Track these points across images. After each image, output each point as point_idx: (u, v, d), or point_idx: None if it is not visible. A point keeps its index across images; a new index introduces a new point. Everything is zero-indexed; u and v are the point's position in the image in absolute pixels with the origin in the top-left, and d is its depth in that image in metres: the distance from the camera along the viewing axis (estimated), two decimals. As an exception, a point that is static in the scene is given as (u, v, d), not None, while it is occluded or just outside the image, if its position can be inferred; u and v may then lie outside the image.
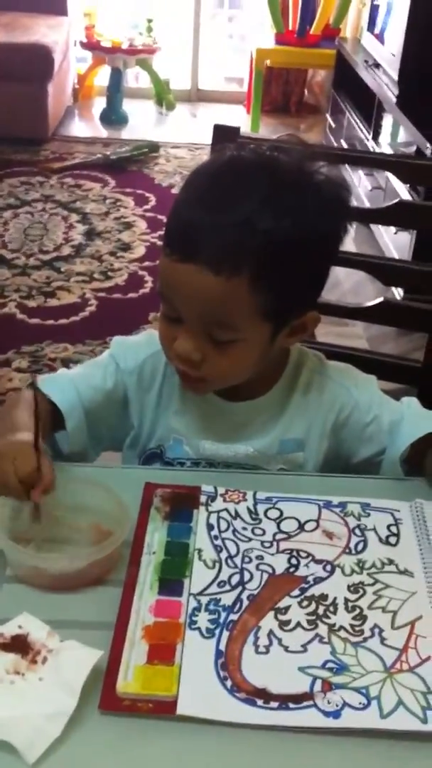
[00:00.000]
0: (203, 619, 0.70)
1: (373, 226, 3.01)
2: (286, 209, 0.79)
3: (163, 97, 4.53)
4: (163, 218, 3.27)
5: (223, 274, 0.78)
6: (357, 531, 0.82)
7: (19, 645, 0.66)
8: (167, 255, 0.81)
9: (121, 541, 0.76)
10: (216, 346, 0.83)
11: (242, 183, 0.80)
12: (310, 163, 0.84)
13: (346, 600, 0.74)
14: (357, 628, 0.71)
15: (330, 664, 0.67)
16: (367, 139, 3.34)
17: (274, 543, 0.79)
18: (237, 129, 1.22)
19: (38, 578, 0.74)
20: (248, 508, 0.84)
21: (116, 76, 4.25)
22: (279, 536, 0.80)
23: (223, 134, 1.20)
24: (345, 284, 2.65)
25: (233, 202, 0.79)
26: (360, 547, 0.80)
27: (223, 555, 0.78)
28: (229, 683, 0.65)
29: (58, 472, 0.78)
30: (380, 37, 3.36)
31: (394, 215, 1.24)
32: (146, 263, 2.90)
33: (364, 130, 3.41)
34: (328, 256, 0.86)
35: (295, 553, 0.78)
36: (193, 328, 0.82)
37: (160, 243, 2.98)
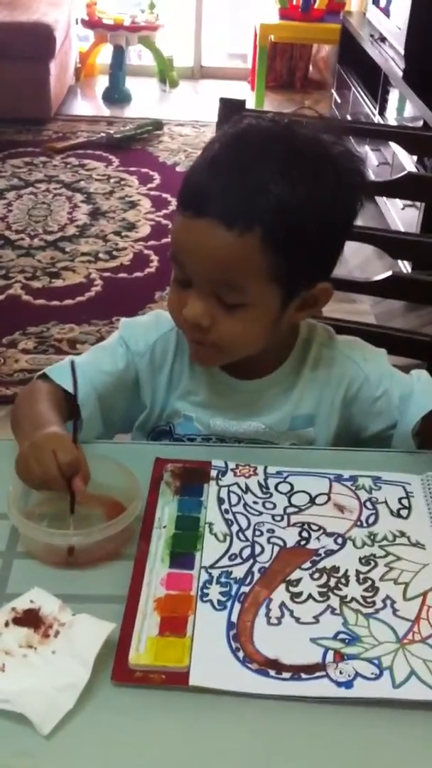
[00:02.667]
0: (215, 592, 0.70)
1: (380, 202, 2.99)
2: (302, 178, 0.79)
3: (166, 74, 4.49)
4: (168, 196, 3.25)
5: (235, 229, 0.77)
6: (368, 504, 0.81)
7: (32, 619, 0.67)
8: (180, 212, 0.82)
9: (135, 516, 0.76)
10: (225, 310, 0.82)
11: (259, 150, 0.80)
12: (327, 135, 0.83)
13: (358, 572, 0.73)
14: (369, 600, 0.71)
15: (342, 635, 0.67)
16: (373, 114, 3.30)
17: (285, 516, 0.79)
18: (243, 102, 1.21)
19: (52, 555, 0.74)
20: (259, 483, 0.84)
21: (119, 54, 4.21)
22: (290, 510, 0.80)
23: (230, 107, 1.19)
24: (352, 261, 2.63)
25: (249, 166, 0.79)
26: (371, 520, 0.80)
27: (234, 528, 0.77)
28: (241, 654, 0.65)
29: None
30: (386, 11, 3.31)
31: (403, 188, 1.23)
32: (151, 242, 2.88)
33: (370, 105, 3.38)
34: (343, 229, 0.86)
35: (306, 527, 0.78)
36: (202, 291, 0.82)
37: (165, 222, 2.95)
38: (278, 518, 0.79)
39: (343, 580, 0.72)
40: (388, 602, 0.70)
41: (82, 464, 0.76)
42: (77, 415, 0.84)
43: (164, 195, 3.23)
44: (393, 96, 3.16)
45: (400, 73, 2.90)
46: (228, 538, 0.76)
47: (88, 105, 4.31)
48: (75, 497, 0.76)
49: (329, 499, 0.82)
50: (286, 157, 0.80)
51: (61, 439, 0.78)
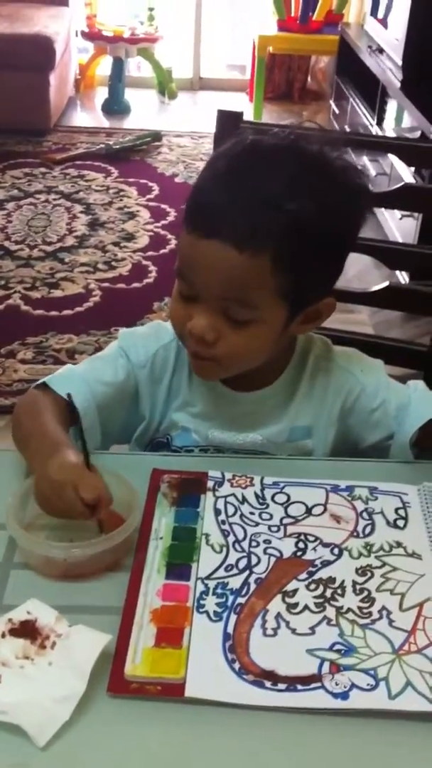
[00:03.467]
0: (211, 603, 0.70)
1: (378, 213, 3.00)
2: (312, 192, 0.79)
3: (165, 85, 4.51)
4: (167, 207, 3.26)
5: (247, 251, 0.77)
6: (365, 514, 0.81)
7: (28, 630, 0.67)
8: (189, 233, 0.81)
9: (134, 527, 0.76)
10: (232, 325, 0.82)
11: (267, 165, 0.80)
12: (329, 148, 0.84)
13: (354, 583, 0.73)
14: (365, 611, 0.71)
15: (338, 646, 0.67)
16: (371, 125, 3.32)
17: (282, 527, 0.79)
18: (240, 114, 1.21)
19: (50, 567, 0.74)
20: (255, 493, 0.84)
21: (118, 66, 4.23)
22: (286, 520, 0.80)
23: (227, 119, 1.20)
24: (350, 271, 2.63)
25: (258, 183, 0.79)
26: (368, 530, 0.80)
27: (231, 539, 0.78)
28: (237, 665, 0.65)
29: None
30: (384, 22, 3.34)
31: (400, 199, 1.23)
32: (150, 253, 2.89)
33: (368, 116, 3.39)
34: (348, 242, 0.86)
35: (302, 537, 0.78)
36: (209, 306, 0.82)
37: (163, 232, 2.96)
38: (275, 529, 0.79)
39: (339, 591, 0.72)
40: (385, 613, 0.70)
41: (104, 496, 0.74)
42: (84, 443, 0.81)
43: (163, 206, 3.24)
44: (391, 107, 3.17)
45: (398, 84, 2.92)
46: (224, 549, 0.76)
47: (87, 116, 4.33)
48: (102, 525, 0.76)
49: (326, 509, 0.82)
50: (294, 173, 0.79)
51: (78, 471, 0.75)
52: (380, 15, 3.41)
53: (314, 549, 0.77)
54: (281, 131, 0.86)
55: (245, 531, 0.79)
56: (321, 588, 0.73)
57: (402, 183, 1.24)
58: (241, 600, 0.71)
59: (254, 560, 0.75)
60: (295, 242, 0.78)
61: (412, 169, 2.68)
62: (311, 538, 0.78)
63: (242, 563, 0.75)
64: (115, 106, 4.29)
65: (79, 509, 0.73)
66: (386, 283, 1.23)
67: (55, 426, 0.83)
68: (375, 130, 3.27)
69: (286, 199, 0.78)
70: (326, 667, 0.65)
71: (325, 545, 0.77)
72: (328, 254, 0.83)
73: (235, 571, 0.74)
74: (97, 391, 0.90)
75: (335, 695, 0.63)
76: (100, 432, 0.91)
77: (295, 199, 0.78)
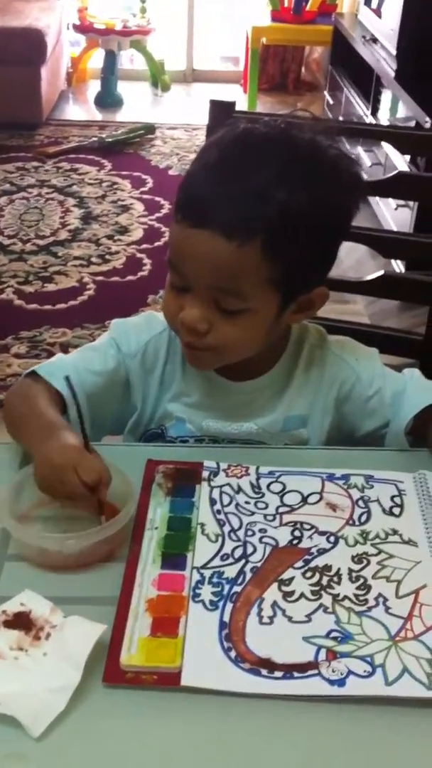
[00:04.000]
0: (207, 592, 0.70)
1: (373, 203, 3.00)
2: (302, 182, 0.78)
3: (158, 78, 4.49)
4: (161, 200, 3.25)
5: (236, 240, 0.77)
6: (360, 503, 0.81)
7: (22, 622, 0.66)
8: (178, 222, 0.80)
9: (129, 518, 0.75)
10: (223, 315, 0.82)
11: (257, 154, 0.80)
12: (323, 137, 0.83)
13: (350, 570, 0.73)
14: (361, 598, 0.70)
15: (334, 634, 0.67)
16: (366, 115, 3.31)
17: (277, 516, 0.79)
18: (233, 104, 1.21)
19: (45, 558, 0.73)
20: (251, 483, 0.83)
21: (110, 59, 4.21)
22: (282, 509, 0.80)
23: (220, 110, 1.19)
24: (345, 261, 2.63)
25: (248, 172, 0.78)
26: (364, 518, 0.79)
27: (226, 529, 0.77)
28: (233, 654, 0.65)
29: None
30: (378, 12, 3.32)
31: (395, 187, 1.23)
32: (144, 246, 2.88)
33: (363, 106, 3.38)
34: (340, 232, 0.85)
35: (298, 526, 0.78)
36: (201, 296, 0.81)
37: (157, 225, 2.95)
38: (270, 518, 0.79)
39: (335, 579, 0.72)
40: (381, 600, 0.70)
41: (104, 476, 0.75)
42: (82, 423, 0.82)
43: (157, 198, 3.23)
44: (385, 97, 3.16)
45: (392, 74, 2.90)
46: (220, 539, 0.76)
47: (80, 109, 4.31)
48: (103, 505, 0.75)
49: (321, 498, 0.82)
50: (285, 162, 0.79)
51: (78, 453, 0.75)
52: (374, 5, 3.40)
53: (310, 537, 0.77)
54: (273, 120, 0.86)
55: (241, 520, 0.78)
56: (317, 576, 0.72)
57: (396, 171, 1.24)
58: (237, 589, 0.71)
59: (250, 549, 0.75)
60: (284, 231, 0.78)
61: (407, 158, 2.67)
62: (307, 527, 0.78)
63: (238, 552, 0.75)
64: (107, 99, 4.27)
65: (80, 491, 0.73)
66: (381, 272, 1.22)
67: (49, 409, 0.83)
68: (370, 120, 3.25)
69: (276, 188, 0.77)
70: (323, 654, 0.65)
71: (321, 533, 0.77)
72: (320, 243, 0.83)
73: (230, 560, 0.74)
74: (86, 380, 0.90)
75: (332, 682, 0.63)
76: (89, 421, 0.91)
77: (285, 188, 0.77)
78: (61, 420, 0.82)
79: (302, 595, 0.70)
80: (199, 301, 0.81)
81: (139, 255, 2.83)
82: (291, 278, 0.81)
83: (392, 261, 2.56)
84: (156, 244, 2.89)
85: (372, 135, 1.59)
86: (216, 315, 0.82)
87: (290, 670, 0.64)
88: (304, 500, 0.81)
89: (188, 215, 0.79)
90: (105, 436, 0.98)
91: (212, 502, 0.80)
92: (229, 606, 0.69)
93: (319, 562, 0.74)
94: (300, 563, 0.74)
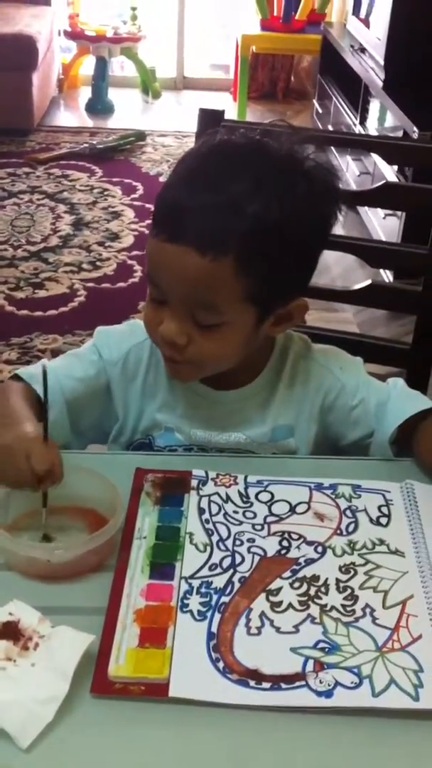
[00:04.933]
0: (195, 602, 0.70)
1: (361, 212, 3.01)
2: (275, 194, 0.78)
3: (148, 85, 4.50)
4: (152, 207, 3.24)
5: (209, 255, 0.77)
6: (348, 512, 0.82)
7: (10, 632, 0.66)
8: (154, 235, 0.81)
9: (117, 528, 0.76)
10: (201, 330, 0.82)
11: (231, 166, 0.80)
12: (299, 147, 0.84)
13: (338, 580, 0.74)
14: (348, 608, 0.71)
15: (322, 644, 0.67)
16: (355, 124, 3.33)
17: (266, 525, 0.79)
18: (222, 112, 1.21)
19: (33, 568, 0.73)
20: (239, 492, 0.84)
21: (101, 65, 4.22)
22: (270, 519, 0.80)
23: (209, 118, 1.20)
24: (334, 270, 2.65)
25: (222, 184, 0.78)
26: (351, 528, 0.80)
27: (215, 538, 0.77)
28: (221, 665, 0.65)
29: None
30: (366, 22, 3.35)
31: (380, 197, 1.24)
32: (135, 252, 2.88)
33: (351, 115, 3.40)
34: (317, 243, 0.86)
35: (286, 535, 0.78)
36: (178, 311, 0.82)
37: (148, 232, 2.96)
38: (258, 527, 0.79)
39: (323, 589, 0.73)
40: (368, 610, 0.71)
41: (56, 470, 0.75)
42: (45, 413, 0.81)
43: (147, 205, 3.23)
44: (374, 106, 3.19)
45: (381, 84, 2.93)
46: (208, 548, 0.76)
47: (71, 116, 4.32)
48: (46, 498, 0.76)
49: (309, 507, 0.82)
50: (259, 175, 0.79)
51: (33, 442, 0.77)
52: (362, 14, 3.43)
53: (298, 547, 0.77)
54: (250, 131, 0.86)
55: (229, 530, 0.79)
56: (305, 586, 0.73)
57: (382, 182, 1.25)
58: (225, 599, 0.71)
59: (238, 559, 0.75)
60: (258, 245, 0.78)
61: (396, 168, 2.69)
62: (295, 537, 0.78)
63: (226, 562, 0.75)
64: (98, 106, 4.28)
65: (27, 479, 0.74)
66: (368, 282, 1.23)
67: (18, 402, 0.84)
68: (358, 129, 3.28)
69: (249, 201, 0.77)
70: (310, 665, 0.65)
71: (309, 543, 0.77)
72: (295, 256, 0.83)
73: (219, 570, 0.74)
74: (66, 385, 0.91)
75: (319, 693, 0.63)
76: (68, 427, 0.92)
77: (258, 200, 0.77)
78: (29, 413, 0.82)
79: (290, 605, 0.71)
80: (177, 315, 0.82)
81: (129, 262, 2.83)
82: (267, 292, 0.82)
83: (381, 270, 2.58)
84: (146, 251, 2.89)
85: (359, 145, 1.61)
86: (193, 329, 0.82)
87: (278, 681, 0.64)
88: (292, 510, 0.82)
89: (163, 229, 0.80)
90: (89, 445, 0.98)
91: (201, 511, 0.81)
92: (217, 616, 0.69)
93: (307, 572, 0.74)
94: (288, 573, 0.74)
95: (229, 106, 4.40)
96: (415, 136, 2.44)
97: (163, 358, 0.88)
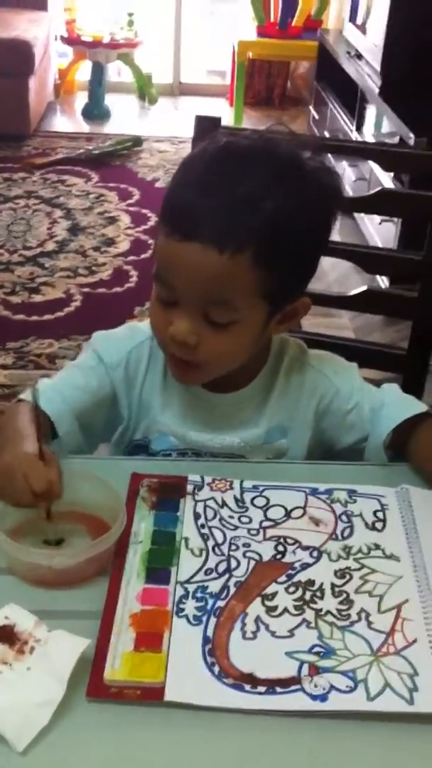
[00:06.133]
0: (190, 607, 0.70)
1: (357, 218, 3.02)
2: (288, 191, 0.79)
3: (145, 91, 4.51)
4: (147, 212, 3.26)
5: (227, 251, 0.77)
6: (343, 517, 0.82)
7: (6, 636, 0.66)
8: (167, 235, 0.80)
9: (119, 534, 0.75)
10: (213, 328, 0.82)
11: (243, 164, 0.80)
12: (301, 150, 0.84)
13: (333, 585, 0.74)
14: (344, 613, 0.71)
15: (317, 649, 0.67)
16: (351, 131, 3.34)
17: (261, 530, 0.80)
18: (218, 119, 1.22)
19: (34, 574, 0.73)
20: (235, 497, 0.84)
21: (98, 71, 4.22)
22: (266, 524, 0.81)
23: (205, 124, 1.20)
24: (330, 275, 2.65)
25: (236, 181, 0.79)
26: (347, 533, 0.80)
27: (210, 543, 0.78)
28: (216, 669, 0.65)
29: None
30: (362, 28, 3.36)
31: (377, 203, 1.24)
32: (131, 258, 2.89)
33: (348, 122, 3.41)
34: (325, 238, 0.87)
35: (281, 540, 0.79)
36: (189, 310, 0.82)
37: (144, 237, 2.95)
38: (254, 532, 0.79)
39: (318, 594, 0.73)
40: (363, 615, 0.71)
41: (54, 487, 0.75)
42: (39, 431, 0.81)
43: (144, 210, 3.24)
44: (370, 112, 3.20)
45: (377, 90, 2.94)
46: (204, 553, 0.76)
47: (67, 121, 4.32)
48: (50, 513, 0.76)
49: (305, 512, 0.82)
50: (271, 172, 0.80)
51: (30, 461, 0.76)
52: (359, 21, 3.44)
53: (293, 552, 0.77)
54: (252, 134, 0.87)
55: (225, 535, 0.79)
56: (300, 591, 0.73)
57: (378, 188, 1.25)
58: (220, 603, 0.71)
59: (234, 564, 0.75)
60: (274, 240, 0.79)
61: (392, 174, 2.70)
62: (290, 541, 0.78)
63: (222, 567, 0.75)
64: (95, 111, 4.29)
65: (27, 498, 0.74)
66: (364, 287, 1.24)
67: (24, 424, 0.83)
68: (354, 135, 3.29)
69: (264, 198, 0.78)
70: (305, 669, 0.66)
71: (304, 548, 0.78)
72: (306, 252, 0.84)
73: (214, 574, 0.74)
74: (73, 397, 0.91)
75: (314, 697, 0.64)
76: (81, 436, 0.91)
77: (273, 197, 0.78)
78: (30, 431, 0.82)
79: (285, 609, 0.71)
80: (188, 314, 0.82)
81: (125, 267, 2.83)
82: (279, 287, 0.82)
83: (377, 276, 2.58)
84: (142, 256, 2.89)
85: (355, 152, 1.61)
86: (204, 328, 0.82)
87: (273, 686, 0.64)
88: (288, 515, 0.82)
89: (177, 228, 0.79)
90: (99, 444, 0.98)
91: (196, 516, 0.81)
92: (213, 621, 0.69)
93: (302, 576, 0.75)
94: (283, 578, 0.74)
95: (225, 112, 4.41)
96: (412, 142, 2.45)
97: (171, 361, 0.88)
